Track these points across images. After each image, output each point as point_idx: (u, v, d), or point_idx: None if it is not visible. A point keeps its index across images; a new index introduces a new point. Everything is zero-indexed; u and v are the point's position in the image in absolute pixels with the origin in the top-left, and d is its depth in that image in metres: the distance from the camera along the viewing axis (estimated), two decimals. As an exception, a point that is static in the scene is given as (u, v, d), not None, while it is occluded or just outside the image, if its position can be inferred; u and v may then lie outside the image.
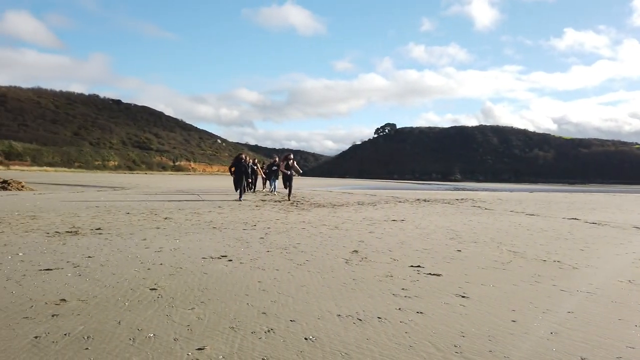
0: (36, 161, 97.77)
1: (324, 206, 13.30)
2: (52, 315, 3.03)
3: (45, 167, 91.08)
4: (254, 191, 19.67)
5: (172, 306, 3.32)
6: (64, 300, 3.39)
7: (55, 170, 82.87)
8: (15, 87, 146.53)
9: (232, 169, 15.79)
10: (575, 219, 11.18)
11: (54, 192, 18.11)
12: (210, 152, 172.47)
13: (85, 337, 2.67)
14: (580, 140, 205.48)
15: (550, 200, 20.34)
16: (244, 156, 16.44)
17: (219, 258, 5.14)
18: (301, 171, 18.30)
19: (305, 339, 2.77)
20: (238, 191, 15.37)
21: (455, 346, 2.71)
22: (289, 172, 16.33)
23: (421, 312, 3.33)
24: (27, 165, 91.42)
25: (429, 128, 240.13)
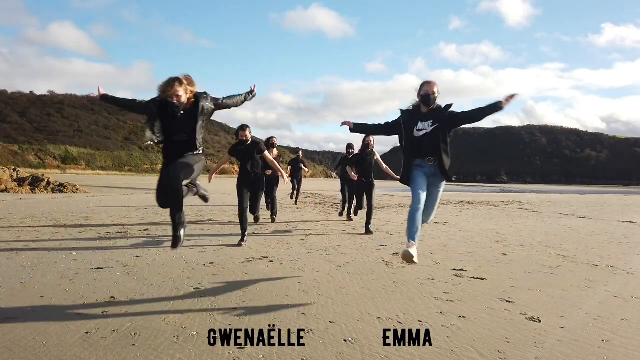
0: (90, 165, 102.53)
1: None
2: (102, 312, 3.17)
3: (98, 171, 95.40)
4: (274, 216, 9.14)
5: (215, 305, 3.40)
6: (113, 297, 3.53)
7: (107, 174, 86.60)
8: (71, 94, 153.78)
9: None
10: (630, 222, 10.61)
11: (106, 195, 18.94)
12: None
13: (133, 334, 2.78)
14: (637, 139, 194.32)
15: (604, 203, 19.39)
16: (247, 134, 6.36)
17: (260, 259, 5.21)
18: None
19: (345, 340, 2.76)
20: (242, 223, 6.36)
21: (499, 352, 2.63)
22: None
23: (464, 317, 3.25)
24: (82, 169, 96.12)
25: (473, 129, 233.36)
